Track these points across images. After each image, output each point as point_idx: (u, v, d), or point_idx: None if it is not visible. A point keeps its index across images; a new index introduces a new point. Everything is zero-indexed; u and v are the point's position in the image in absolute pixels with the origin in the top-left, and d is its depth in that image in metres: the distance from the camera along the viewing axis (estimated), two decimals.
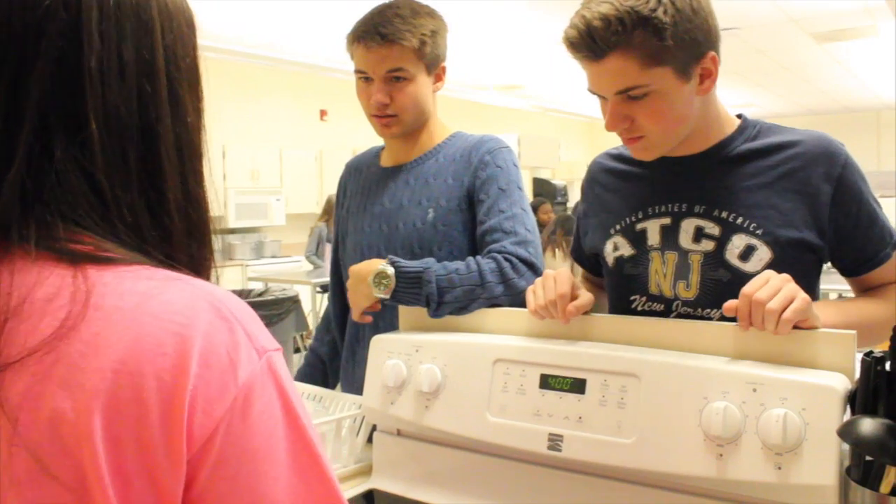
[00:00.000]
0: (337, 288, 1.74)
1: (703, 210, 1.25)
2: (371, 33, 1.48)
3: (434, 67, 1.56)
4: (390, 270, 1.36)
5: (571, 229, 6.28)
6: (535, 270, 1.43)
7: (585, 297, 1.19)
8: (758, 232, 1.20)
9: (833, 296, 3.57)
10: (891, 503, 0.86)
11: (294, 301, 4.78)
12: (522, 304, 1.28)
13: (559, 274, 1.21)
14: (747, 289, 1.03)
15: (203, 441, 0.49)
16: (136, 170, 0.56)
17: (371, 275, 1.38)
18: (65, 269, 0.50)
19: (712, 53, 1.18)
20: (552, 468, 1.14)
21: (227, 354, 0.51)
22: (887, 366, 0.89)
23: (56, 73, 0.53)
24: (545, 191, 10.71)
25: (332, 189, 2.41)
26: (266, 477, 0.51)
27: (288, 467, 0.52)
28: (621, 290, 1.34)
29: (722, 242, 1.23)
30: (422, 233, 1.53)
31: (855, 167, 1.22)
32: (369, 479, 1.34)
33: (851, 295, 1.34)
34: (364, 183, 1.68)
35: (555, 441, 1.11)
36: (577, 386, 1.11)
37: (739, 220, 1.22)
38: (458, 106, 9.98)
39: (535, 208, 7.32)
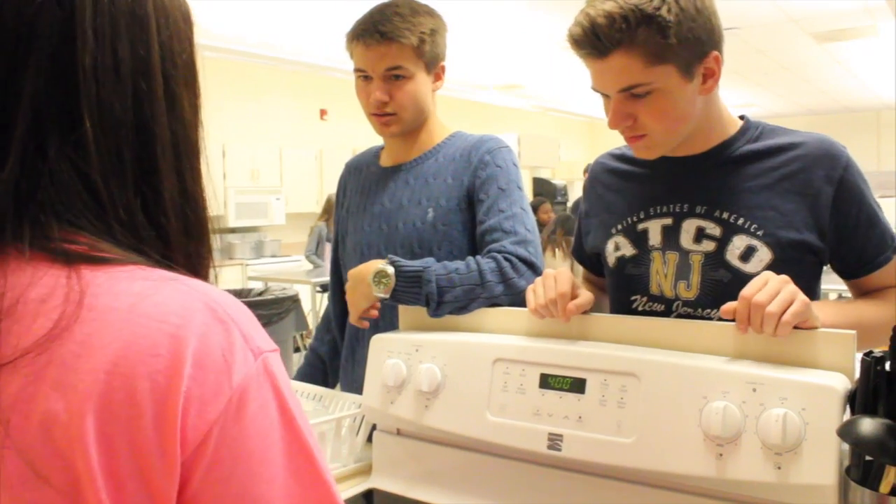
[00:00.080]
0: (337, 287, 1.74)
1: (704, 210, 1.25)
2: (370, 31, 1.48)
3: (433, 66, 1.56)
4: (390, 269, 1.36)
5: (571, 229, 6.29)
6: (535, 270, 1.43)
7: (585, 296, 1.20)
8: (758, 233, 1.21)
9: (833, 296, 3.57)
10: (891, 503, 0.86)
11: (294, 300, 4.77)
12: (522, 303, 1.28)
13: (559, 273, 1.21)
14: (746, 291, 1.03)
15: (197, 443, 0.48)
16: (131, 168, 0.55)
17: (371, 274, 1.38)
18: (59, 269, 0.50)
19: (715, 53, 1.18)
20: (552, 468, 1.14)
21: (221, 356, 0.50)
22: (887, 366, 0.89)
23: (49, 70, 0.52)
24: (545, 190, 10.71)
25: (331, 188, 2.41)
26: (261, 479, 0.50)
27: (284, 469, 0.52)
28: (622, 290, 1.34)
29: (723, 243, 1.23)
30: (421, 232, 1.53)
31: (856, 169, 1.22)
32: (369, 479, 1.34)
33: (851, 296, 1.34)
34: (364, 182, 1.68)
35: (554, 441, 1.11)
36: (577, 385, 1.11)
37: (740, 221, 1.22)
38: (458, 105, 9.98)
39: (536, 208, 7.32)
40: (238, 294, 4.89)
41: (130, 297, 0.50)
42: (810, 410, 0.94)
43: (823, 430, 0.93)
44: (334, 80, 8.64)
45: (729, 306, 1.05)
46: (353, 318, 1.48)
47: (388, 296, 1.37)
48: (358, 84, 1.56)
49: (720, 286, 1.22)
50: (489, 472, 1.21)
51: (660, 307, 1.29)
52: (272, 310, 4.52)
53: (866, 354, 0.90)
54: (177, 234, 0.58)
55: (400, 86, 1.51)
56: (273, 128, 8.47)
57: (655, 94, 1.16)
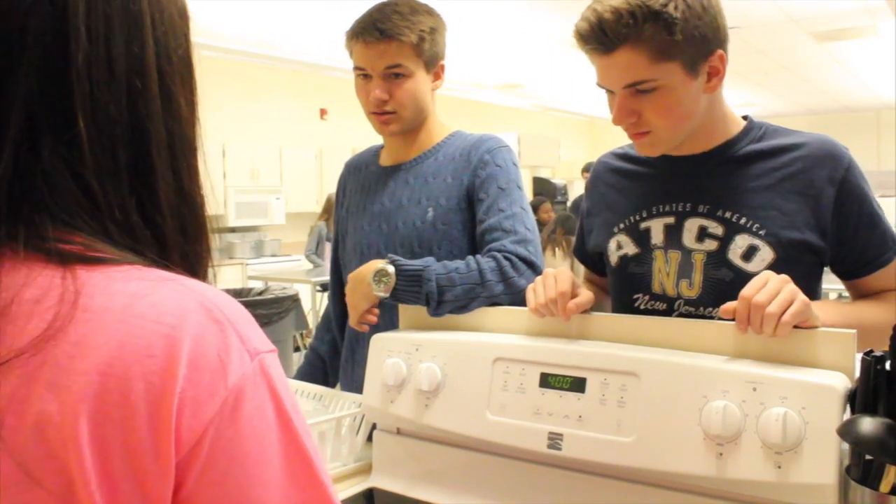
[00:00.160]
0: (337, 287, 1.74)
1: (706, 210, 1.26)
2: (370, 29, 1.48)
3: (433, 65, 1.56)
4: (390, 269, 1.36)
5: (571, 228, 6.29)
6: (535, 269, 1.43)
7: (585, 295, 1.20)
8: (760, 232, 1.21)
9: (833, 296, 3.57)
10: (891, 502, 0.86)
11: (294, 300, 4.77)
12: (522, 302, 1.28)
13: (559, 272, 1.21)
14: (746, 291, 1.03)
15: (192, 444, 0.48)
16: (126, 167, 0.54)
17: (371, 273, 1.38)
18: (54, 269, 0.49)
19: (720, 52, 1.19)
20: (552, 467, 1.14)
21: (217, 356, 0.49)
22: (887, 365, 0.89)
23: (42, 70, 0.51)
24: (545, 190, 10.71)
25: (331, 188, 2.41)
26: (257, 481, 0.50)
27: (280, 471, 0.51)
28: (624, 289, 1.34)
29: (725, 242, 1.23)
30: (421, 232, 1.53)
31: (858, 171, 1.23)
32: (369, 478, 1.34)
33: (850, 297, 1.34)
34: (363, 182, 1.68)
35: (555, 440, 1.11)
36: (577, 385, 1.11)
37: (743, 221, 1.22)
38: (458, 105, 9.98)
39: (536, 207, 7.32)
40: (238, 293, 4.90)
41: (126, 297, 0.49)
42: (810, 410, 0.94)
43: (823, 429, 0.93)
44: (334, 79, 8.64)
45: (729, 306, 1.05)
46: (352, 321, 1.48)
47: (388, 295, 1.37)
48: (357, 83, 1.56)
49: (722, 285, 1.23)
50: (489, 472, 1.21)
51: (662, 306, 1.29)
52: (272, 309, 4.52)
53: (866, 354, 0.90)
54: (173, 233, 0.57)
55: (399, 84, 1.51)
56: (273, 127, 8.47)
57: (660, 91, 1.16)
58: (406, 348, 1.29)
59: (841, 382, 0.96)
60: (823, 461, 0.92)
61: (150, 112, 0.55)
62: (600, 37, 1.15)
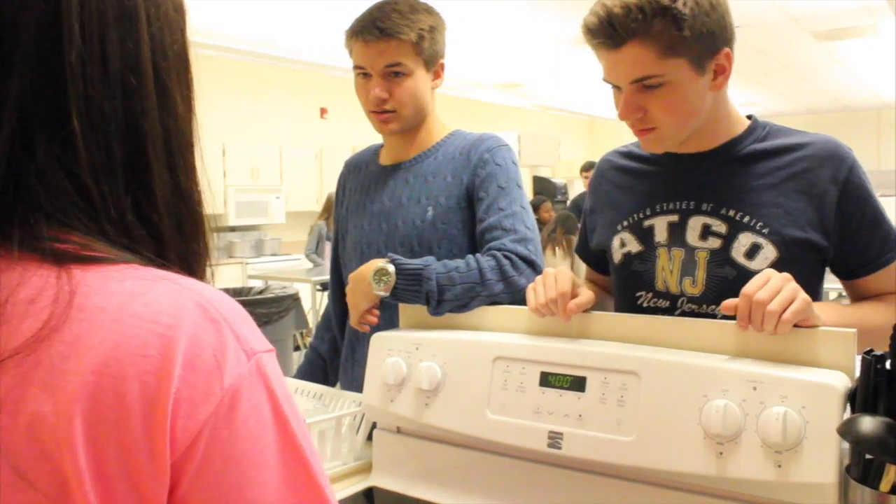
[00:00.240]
0: (337, 286, 1.74)
1: (710, 208, 1.26)
2: (369, 28, 1.48)
3: (432, 64, 1.56)
4: (391, 268, 1.36)
5: (572, 227, 6.27)
6: (535, 268, 1.43)
7: (585, 294, 1.20)
8: (764, 231, 1.22)
9: (833, 295, 3.58)
10: (891, 501, 0.86)
11: (294, 299, 4.78)
12: (522, 301, 1.28)
13: (559, 272, 1.21)
14: (748, 288, 1.03)
15: (187, 444, 0.47)
16: (121, 166, 0.53)
17: (371, 272, 1.38)
18: (48, 269, 0.49)
19: (727, 50, 1.20)
20: (552, 466, 1.14)
21: (213, 356, 0.49)
22: (887, 364, 0.89)
23: (35, 67, 0.50)
24: (545, 189, 10.70)
25: (332, 187, 2.41)
26: (253, 481, 0.49)
27: (276, 471, 0.51)
28: (627, 287, 1.35)
29: (728, 240, 1.24)
30: (421, 231, 1.53)
31: (862, 171, 1.24)
32: (369, 477, 1.34)
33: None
34: (363, 181, 1.68)
35: (555, 439, 1.11)
36: (578, 384, 1.11)
37: (746, 219, 1.23)
38: (458, 104, 9.98)
39: (537, 207, 7.31)
40: (238, 293, 4.90)
41: (121, 296, 0.49)
42: (810, 409, 0.94)
43: (824, 428, 0.93)
44: (334, 78, 8.64)
45: (730, 303, 1.05)
46: (353, 321, 1.48)
47: (388, 294, 1.37)
48: (357, 82, 1.56)
49: (725, 283, 1.23)
50: (489, 471, 1.21)
51: (665, 303, 1.29)
52: (272, 308, 4.52)
53: (866, 353, 0.90)
54: (170, 231, 0.56)
55: (399, 83, 1.51)
56: (273, 126, 8.47)
57: (667, 87, 1.17)
58: (406, 347, 1.29)
59: (841, 382, 0.96)
60: (823, 460, 0.92)
61: (145, 109, 0.55)
62: (609, 31, 1.16)
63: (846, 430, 0.86)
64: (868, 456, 0.89)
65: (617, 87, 1.22)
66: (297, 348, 5.93)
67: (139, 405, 0.46)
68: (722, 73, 1.21)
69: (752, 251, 1.22)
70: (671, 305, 1.29)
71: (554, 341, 1.18)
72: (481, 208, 1.50)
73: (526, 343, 1.19)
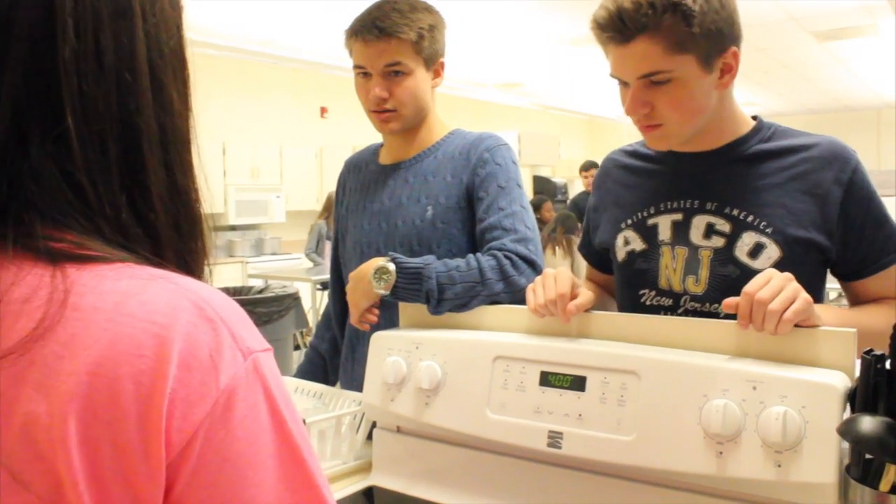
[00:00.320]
0: (337, 286, 1.74)
1: (714, 207, 1.27)
2: (369, 27, 1.48)
3: (432, 63, 1.56)
4: (391, 266, 1.36)
5: (571, 227, 6.26)
6: (536, 268, 1.43)
7: (585, 295, 1.20)
8: (767, 230, 1.22)
9: (832, 295, 3.58)
10: (890, 501, 0.86)
11: (294, 298, 4.78)
12: (523, 301, 1.28)
13: (559, 273, 1.22)
14: (749, 287, 1.03)
15: (182, 445, 0.47)
16: (116, 163, 0.53)
17: (371, 271, 1.38)
18: (43, 268, 0.48)
19: (734, 49, 1.21)
20: (552, 465, 1.14)
21: (209, 356, 0.48)
22: (887, 364, 0.89)
23: (29, 64, 0.50)
24: (545, 189, 10.70)
25: (332, 186, 2.41)
26: (249, 482, 0.49)
27: (273, 472, 0.50)
28: (631, 285, 1.35)
29: (732, 239, 1.25)
30: (421, 230, 1.53)
31: (865, 173, 1.24)
32: (369, 476, 1.34)
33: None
34: (363, 180, 1.68)
35: (555, 438, 1.11)
36: (578, 383, 1.11)
37: (750, 218, 1.24)
38: (458, 103, 9.98)
39: (539, 206, 7.31)
40: (238, 292, 4.90)
41: (116, 296, 0.48)
42: (810, 408, 0.94)
43: (823, 428, 0.93)
44: (335, 77, 8.64)
45: (731, 301, 1.05)
46: (353, 319, 1.48)
47: (388, 292, 1.37)
48: (357, 81, 1.56)
49: (728, 281, 1.24)
50: (489, 470, 1.21)
51: (668, 302, 1.30)
52: (272, 307, 4.53)
53: (866, 353, 0.90)
54: (167, 229, 0.56)
55: (399, 82, 1.51)
56: (273, 126, 8.47)
57: (674, 84, 1.18)
58: (406, 346, 1.29)
59: (841, 381, 0.96)
60: (823, 460, 0.92)
61: (140, 106, 0.54)
62: (618, 25, 1.16)
63: (846, 430, 0.86)
64: (868, 456, 0.89)
65: (624, 83, 1.23)
66: (297, 347, 5.93)
67: (134, 405, 0.46)
68: (729, 71, 1.22)
69: (756, 250, 1.23)
70: (674, 304, 1.29)
71: (554, 341, 1.18)
72: (481, 208, 1.50)
73: (526, 342, 1.19)
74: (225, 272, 7.26)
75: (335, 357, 1.78)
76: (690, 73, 1.18)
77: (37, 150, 0.50)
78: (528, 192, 7.97)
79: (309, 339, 2.18)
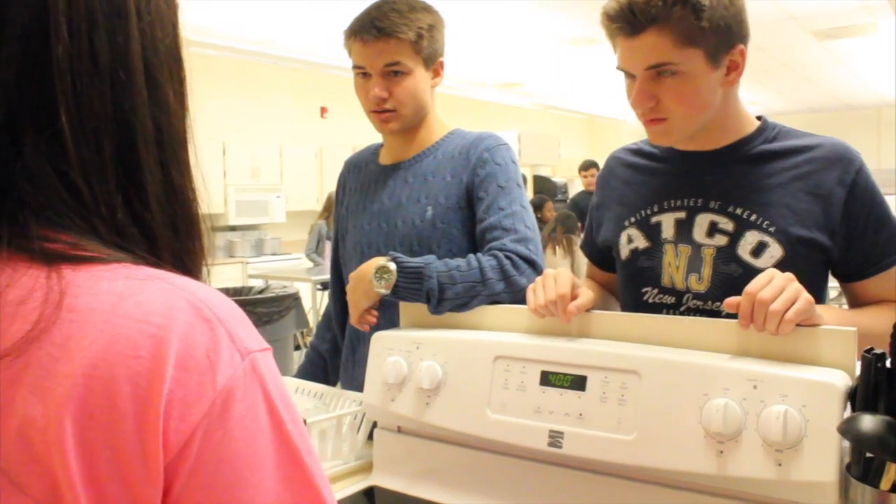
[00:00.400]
0: (337, 286, 1.74)
1: (718, 206, 1.28)
2: (367, 28, 1.48)
3: (432, 62, 1.56)
4: (392, 265, 1.36)
5: (571, 227, 6.24)
6: (536, 268, 1.43)
7: (585, 296, 1.20)
8: (770, 229, 1.23)
9: (832, 294, 3.57)
10: (891, 500, 0.86)
11: (294, 298, 4.78)
12: (523, 300, 1.28)
13: (559, 273, 1.22)
14: (751, 287, 1.03)
15: (180, 446, 0.46)
16: (111, 163, 0.52)
17: (372, 270, 1.38)
18: (38, 269, 0.48)
19: (741, 47, 1.22)
20: (553, 465, 1.14)
21: (205, 356, 0.48)
22: (888, 363, 0.89)
23: (22, 63, 0.49)
24: (545, 188, 10.70)
25: (332, 186, 2.42)
26: (248, 483, 0.48)
27: (272, 473, 0.49)
28: (634, 282, 1.36)
29: (735, 238, 1.25)
30: (420, 230, 1.53)
31: (869, 174, 1.25)
32: (370, 476, 1.34)
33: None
34: (363, 181, 1.68)
35: (555, 438, 1.11)
36: (578, 383, 1.11)
37: (753, 217, 1.24)
38: (458, 103, 9.97)
39: (540, 206, 7.30)
40: (238, 292, 4.90)
41: (112, 296, 0.48)
42: (811, 407, 0.94)
43: (824, 427, 0.93)
44: (335, 77, 8.64)
45: (733, 300, 1.05)
46: (353, 319, 1.48)
47: (389, 292, 1.37)
48: (357, 81, 1.56)
49: (731, 280, 1.24)
50: (490, 470, 1.21)
51: (670, 299, 1.30)
52: (272, 308, 4.53)
53: (867, 351, 0.90)
54: (163, 229, 0.55)
55: (398, 82, 1.51)
56: (273, 126, 8.47)
57: (681, 77, 1.19)
58: (407, 346, 1.29)
59: (841, 380, 0.96)
60: (824, 459, 0.92)
61: (135, 105, 0.53)
62: (629, 17, 1.17)
63: (847, 429, 0.86)
64: (868, 454, 0.89)
65: (630, 76, 1.24)
66: (297, 348, 5.93)
67: (131, 407, 0.45)
68: (735, 69, 1.23)
69: (759, 249, 1.23)
70: (677, 301, 1.30)
71: (554, 340, 1.18)
72: (481, 208, 1.50)
73: (526, 342, 1.19)
74: (225, 272, 7.26)
75: (335, 357, 1.78)
76: (697, 67, 1.18)
77: (31, 150, 0.49)
78: (529, 191, 7.96)
79: (309, 339, 2.18)
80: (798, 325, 1.02)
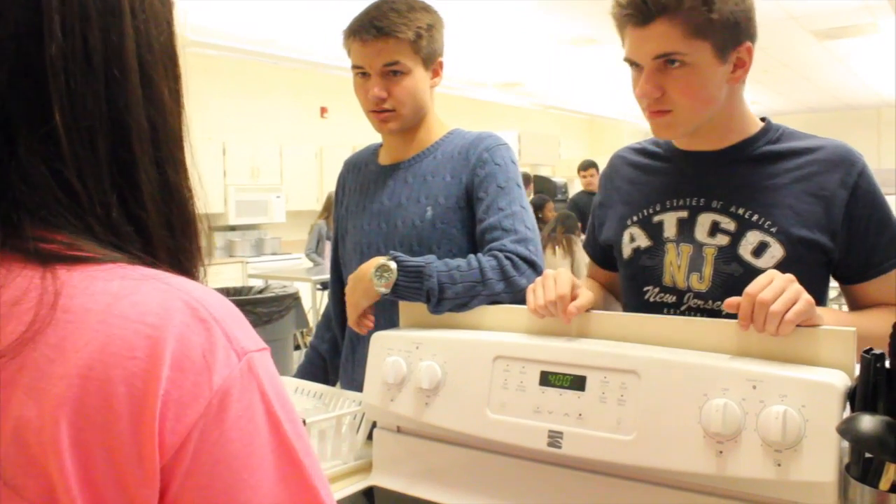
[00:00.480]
0: (337, 286, 1.74)
1: (720, 205, 1.28)
2: (367, 27, 1.48)
3: (431, 62, 1.56)
4: (392, 264, 1.36)
5: (571, 227, 6.24)
6: (536, 268, 1.43)
7: (585, 296, 1.20)
8: (772, 230, 1.23)
9: (832, 294, 3.57)
10: (890, 500, 0.86)
11: (294, 298, 4.78)
12: (523, 301, 1.28)
13: (559, 274, 1.22)
14: (751, 288, 1.03)
15: (176, 448, 0.46)
16: (106, 162, 0.52)
17: (372, 269, 1.38)
18: (33, 269, 0.47)
19: (749, 44, 1.23)
20: (552, 465, 1.14)
21: (202, 357, 0.47)
22: (887, 363, 0.89)
23: (15, 62, 0.49)
24: (545, 188, 10.69)
25: (332, 186, 2.42)
26: (245, 484, 0.48)
27: (269, 474, 0.49)
28: (636, 281, 1.36)
29: (736, 238, 1.26)
30: (420, 231, 1.53)
31: (872, 176, 1.25)
32: (369, 476, 1.34)
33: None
34: (363, 181, 1.68)
35: (555, 438, 1.11)
36: (577, 383, 1.11)
37: (755, 217, 1.25)
38: (458, 103, 9.97)
39: (541, 206, 7.30)
40: (238, 292, 4.90)
41: (107, 297, 0.47)
42: (810, 408, 0.94)
43: (823, 427, 0.93)
44: (335, 77, 8.63)
45: (733, 301, 1.05)
46: (351, 320, 1.47)
47: (389, 290, 1.37)
48: (356, 81, 1.56)
49: (731, 279, 1.25)
50: (489, 470, 1.21)
51: (671, 298, 1.31)
52: (272, 307, 4.52)
53: (866, 352, 0.90)
54: (158, 228, 0.55)
55: (397, 81, 1.51)
56: (273, 125, 8.47)
57: (688, 69, 1.19)
58: (406, 346, 1.29)
59: (841, 380, 0.96)
60: (823, 459, 0.92)
61: (130, 103, 0.53)
62: (640, 5, 1.18)
63: (846, 429, 0.86)
64: (868, 455, 0.89)
65: (637, 68, 1.24)
66: (297, 347, 5.93)
67: (126, 408, 0.45)
68: (742, 66, 1.24)
69: (760, 249, 1.24)
70: (678, 300, 1.30)
71: (554, 340, 1.18)
72: (481, 208, 1.50)
73: (526, 342, 1.19)
74: (225, 272, 7.26)
75: (335, 357, 1.78)
76: (705, 60, 1.19)
77: (25, 149, 0.49)
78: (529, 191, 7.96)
79: (309, 339, 2.18)
80: (798, 325, 1.02)
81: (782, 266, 1.19)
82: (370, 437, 1.40)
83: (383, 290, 1.37)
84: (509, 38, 7.52)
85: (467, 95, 10.36)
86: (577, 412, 1.10)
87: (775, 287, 1.02)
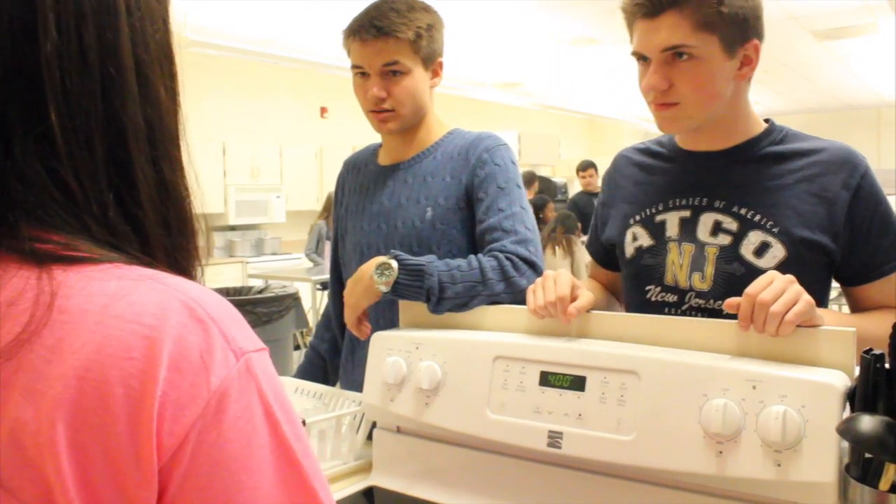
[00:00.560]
0: (337, 286, 1.74)
1: (722, 205, 1.29)
2: (366, 27, 1.48)
3: (430, 62, 1.56)
4: (393, 263, 1.36)
5: (571, 227, 6.23)
6: (536, 269, 1.43)
7: (585, 297, 1.20)
8: (774, 230, 1.24)
9: (833, 294, 3.58)
10: (890, 500, 0.86)
11: (294, 298, 4.78)
12: (523, 301, 1.29)
13: (559, 275, 1.22)
14: (751, 289, 1.03)
15: (174, 449, 0.45)
16: (103, 161, 0.51)
17: (373, 267, 1.38)
18: (29, 270, 0.47)
19: (756, 42, 1.23)
20: (552, 465, 1.14)
21: (199, 357, 0.47)
22: (887, 363, 0.89)
23: (9, 61, 0.48)
24: (545, 189, 10.69)
25: (332, 186, 2.42)
26: (243, 485, 0.48)
27: (268, 474, 0.49)
28: (638, 281, 1.37)
29: (738, 237, 1.26)
30: (420, 231, 1.53)
31: (874, 178, 1.26)
32: (369, 476, 1.34)
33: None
34: (362, 181, 1.68)
35: (554, 438, 1.11)
36: (577, 383, 1.11)
37: (757, 217, 1.25)
38: (457, 103, 9.97)
39: (541, 206, 7.29)
40: (238, 292, 4.90)
41: (104, 297, 0.47)
42: (810, 408, 0.94)
43: (823, 427, 0.93)
44: (335, 77, 8.63)
45: (733, 301, 1.05)
46: (349, 321, 1.46)
47: (389, 289, 1.36)
48: (355, 81, 1.56)
49: (733, 279, 1.25)
50: (489, 470, 1.21)
51: (673, 298, 1.31)
52: (272, 307, 4.52)
53: (866, 352, 0.90)
54: (155, 228, 0.54)
55: (397, 81, 1.51)
56: (273, 125, 8.47)
57: (695, 62, 1.20)
58: (406, 347, 1.29)
59: (840, 381, 0.96)
60: (823, 459, 0.92)
61: (125, 102, 0.53)
62: None
63: (846, 430, 0.86)
64: (867, 455, 0.89)
65: (644, 62, 1.25)
66: (297, 347, 5.93)
67: (124, 409, 0.45)
68: (748, 63, 1.24)
69: (761, 249, 1.24)
70: (679, 300, 1.30)
71: (554, 341, 1.18)
72: (481, 209, 1.50)
73: (526, 342, 1.19)
74: (225, 272, 7.26)
75: (335, 357, 1.78)
76: (713, 54, 1.20)
77: (20, 148, 0.49)
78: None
79: (309, 339, 2.18)
80: (798, 326, 1.02)
81: (784, 266, 1.20)
82: (370, 437, 1.40)
83: (384, 288, 1.37)
84: (509, 38, 7.52)
85: (467, 95, 10.35)
86: (576, 412, 1.10)
87: (775, 288, 1.02)
